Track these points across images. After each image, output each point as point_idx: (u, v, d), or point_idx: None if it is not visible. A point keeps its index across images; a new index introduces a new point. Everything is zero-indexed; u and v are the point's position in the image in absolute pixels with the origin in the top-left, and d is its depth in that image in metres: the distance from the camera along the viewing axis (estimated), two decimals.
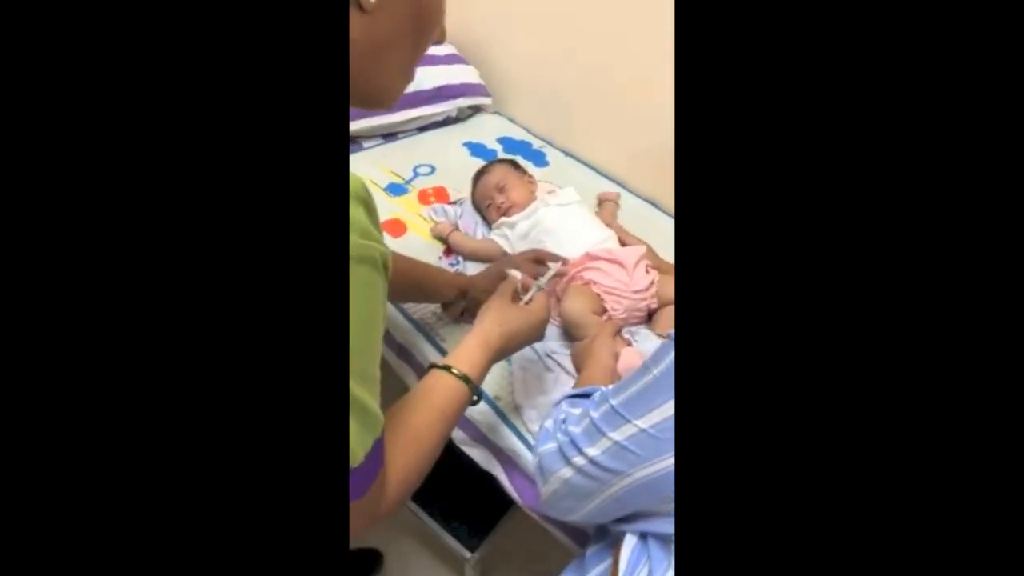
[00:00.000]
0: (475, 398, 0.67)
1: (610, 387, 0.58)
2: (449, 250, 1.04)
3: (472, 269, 1.05)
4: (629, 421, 0.53)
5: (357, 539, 0.52)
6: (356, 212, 0.42)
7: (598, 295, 0.94)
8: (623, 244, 1.05)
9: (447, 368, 0.65)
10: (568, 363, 0.90)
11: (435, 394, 0.64)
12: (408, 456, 0.56)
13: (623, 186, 1.30)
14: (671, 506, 0.54)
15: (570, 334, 0.93)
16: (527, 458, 0.80)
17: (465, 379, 0.65)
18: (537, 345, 0.91)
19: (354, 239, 0.41)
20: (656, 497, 0.54)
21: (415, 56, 0.53)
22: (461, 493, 1.13)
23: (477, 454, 0.87)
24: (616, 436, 0.54)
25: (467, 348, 0.69)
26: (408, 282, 0.89)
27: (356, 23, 0.44)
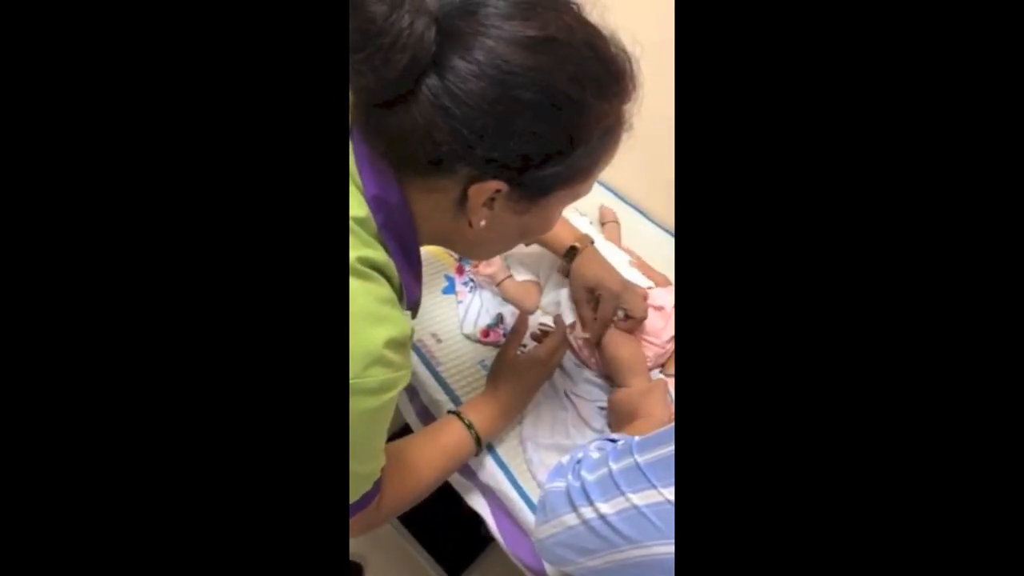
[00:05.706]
0: (477, 448, 0.75)
1: (636, 438, 0.53)
2: (461, 268, 0.99)
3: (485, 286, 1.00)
4: (654, 487, 0.47)
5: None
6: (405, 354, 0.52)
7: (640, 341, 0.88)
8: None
9: (457, 414, 0.75)
10: (586, 408, 0.84)
11: (442, 435, 0.74)
12: (404, 486, 0.67)
13: (639, 210, 1.26)
14: None
15: (611, 378, 0.86)
16: (516, 502, 0.75)
17: (469, 426, 0.74)
18: (558, 381, 0.87)
19: (394, 374, 0.49)
20: None
21: (515, 246, 0.66)
22: (448, 520, 1.09)
23: (466, 491, 0.83)
24: (637, 500, 0.48)
25: (477, 400, 0.78)
26: None
27: (467, 229, 0.55)
